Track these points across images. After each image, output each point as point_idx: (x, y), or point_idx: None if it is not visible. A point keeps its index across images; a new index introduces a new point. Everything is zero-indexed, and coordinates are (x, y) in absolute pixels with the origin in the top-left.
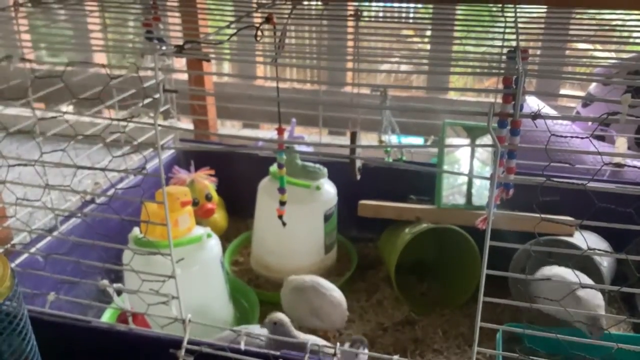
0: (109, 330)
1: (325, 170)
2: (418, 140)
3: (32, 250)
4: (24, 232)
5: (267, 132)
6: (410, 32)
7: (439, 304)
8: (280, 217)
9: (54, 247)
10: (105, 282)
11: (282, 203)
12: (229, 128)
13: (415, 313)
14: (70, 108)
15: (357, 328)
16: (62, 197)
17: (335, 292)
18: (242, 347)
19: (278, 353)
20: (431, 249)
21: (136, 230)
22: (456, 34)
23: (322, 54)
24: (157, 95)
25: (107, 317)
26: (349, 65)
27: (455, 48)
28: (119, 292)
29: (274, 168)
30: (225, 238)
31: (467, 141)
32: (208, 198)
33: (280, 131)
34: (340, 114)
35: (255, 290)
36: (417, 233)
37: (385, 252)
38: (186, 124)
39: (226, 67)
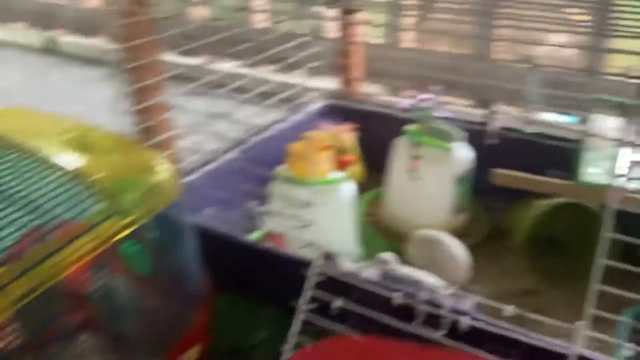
0: (253, 247)
1: (462, 133)
2: (565, 119)
3: (198, 173)
4: (193, 157)
5: (409, 97)
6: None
7: (568, 278)
8: (412, 171)
9: (215, 172)
10: (255, 205)
11: (416, 157)
12: (374, 89)
13: (542, 284)
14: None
15: (480, 291)
16: (224, 133)
17: (456, 248)
18: (364, 276)
19: (396, 286)
20: (565, 224)
21: (283, 166)
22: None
23: (471, 18)
24: (310, 51)
25: (253, 236)
26: (499, 31)
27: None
28: (265, 215)
29: (410, 126)
30: (361, 190)
31: (616, 118)
32: (348, 150)
33: (422, 92)
34: (483, 81)
35: (383, 239)
36: (554, 206)
37: (518, 222)
38: (333, 81)
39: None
